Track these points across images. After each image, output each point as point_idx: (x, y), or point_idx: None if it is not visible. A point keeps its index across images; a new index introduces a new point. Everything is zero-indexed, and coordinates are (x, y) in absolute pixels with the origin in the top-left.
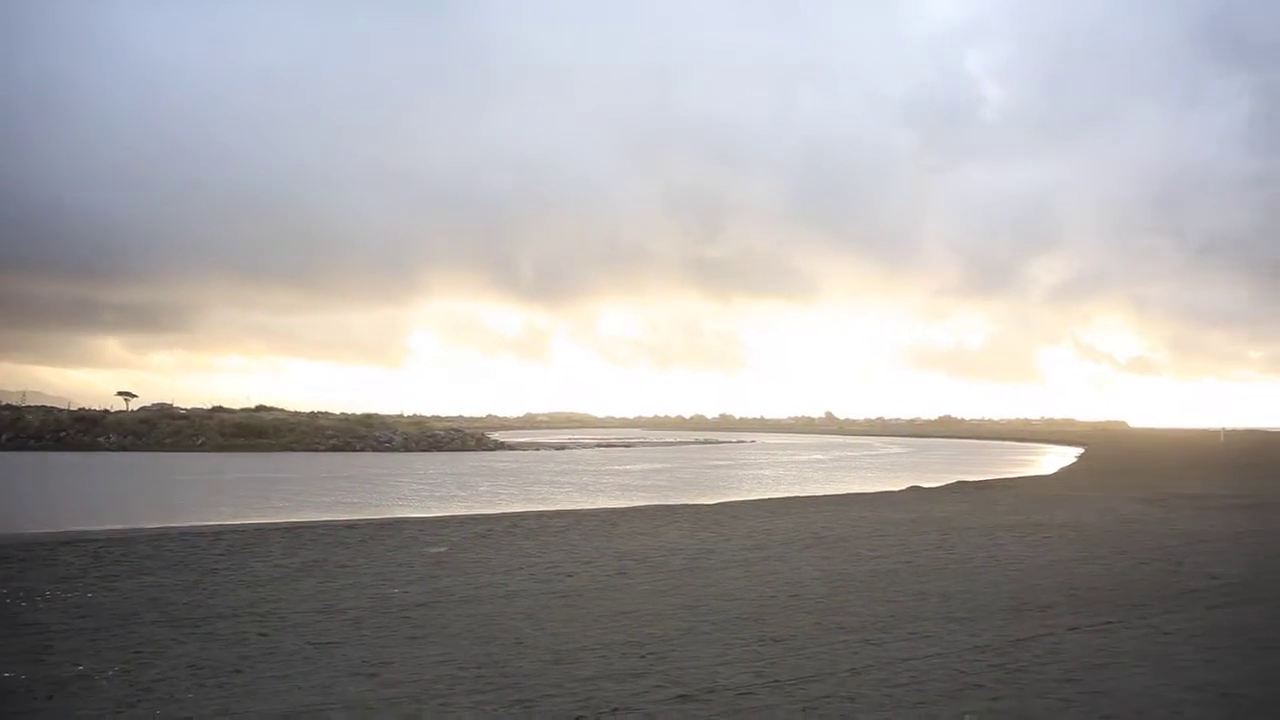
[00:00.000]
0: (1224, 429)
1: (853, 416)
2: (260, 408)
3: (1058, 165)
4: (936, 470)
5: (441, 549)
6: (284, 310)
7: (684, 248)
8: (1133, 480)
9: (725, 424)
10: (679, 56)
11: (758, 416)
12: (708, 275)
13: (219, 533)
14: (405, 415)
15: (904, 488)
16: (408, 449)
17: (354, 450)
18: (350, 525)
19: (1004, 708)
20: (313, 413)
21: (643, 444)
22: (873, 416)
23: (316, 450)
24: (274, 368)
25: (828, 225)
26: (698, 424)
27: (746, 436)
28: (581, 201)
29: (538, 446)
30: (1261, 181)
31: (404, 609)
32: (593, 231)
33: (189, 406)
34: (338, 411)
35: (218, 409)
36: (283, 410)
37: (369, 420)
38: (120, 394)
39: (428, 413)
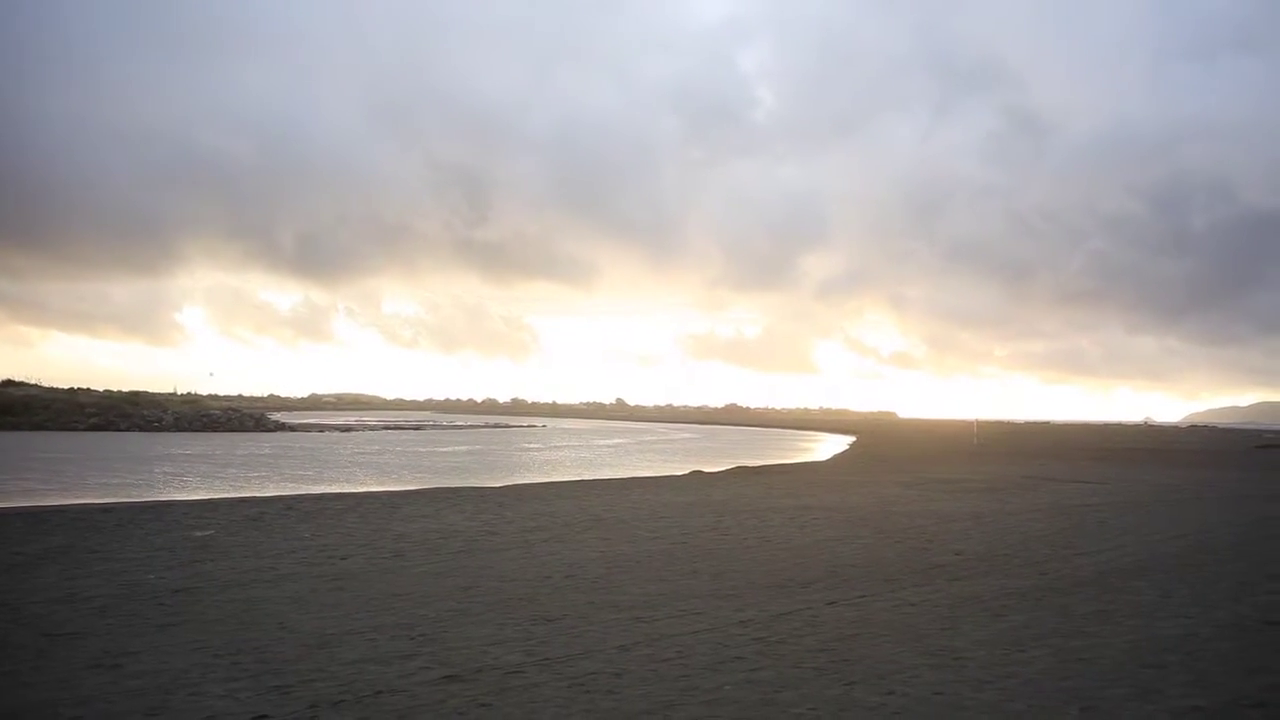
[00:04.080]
0: (976, 421)
1: (643, 403)
2: (9, 383)
3: (823, 167)
4: (719, 455)
5: (208, 533)
6: (23, 276)
7: (453, 228)
8: (896, 466)
9: (517, 408)
10: (429, 23)
11: (550, 401)
12: (482, 258)
13: None
14: (179, 394)
15: (686, 472)
16: (180, 429)
17: (118, 430)
18: (106, 509)
19: (762, 678)
20: (71, 389)
21: (432, 427)
22: (662, 403)
23: (75, 429)
24: (21, 339)
25: (595, 211)
26: (489, 408)
27: (538, 421)
28: (336, 173)
29: (322, 428)
30: (1000, 193)
31: (158, 595)
32: (352, 206)
33: None
34: (101, 388)
35: None
36: (36, 385)
37: (136, 398)
38: None
39: (204, 392)
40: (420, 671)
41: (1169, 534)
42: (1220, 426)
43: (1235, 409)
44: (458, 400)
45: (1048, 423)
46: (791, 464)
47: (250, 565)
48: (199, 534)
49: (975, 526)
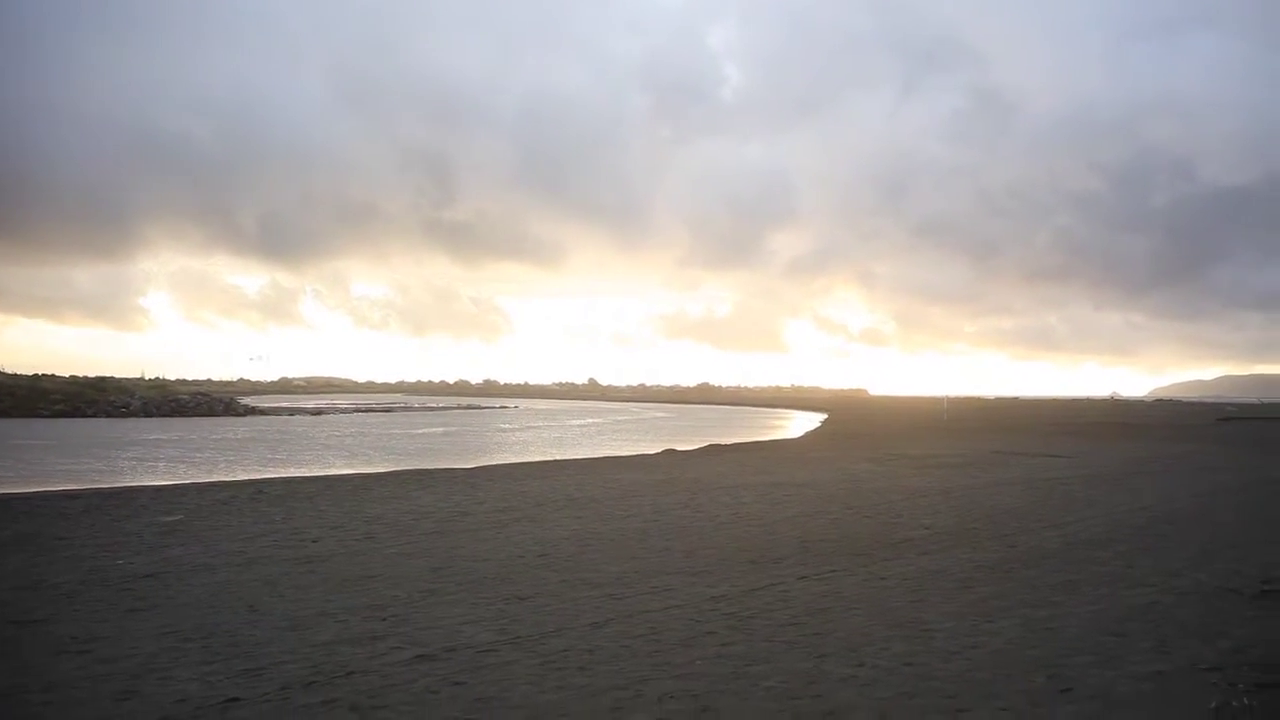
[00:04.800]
0: (947, 397)
1: (615, 383)
2: None
3: (790, 145)
4: (691, 434)
5: (176, 517)
6: None
7: (420, 209)
8: (866, 443)
9: (489, 390)
10: (393, 2)
11: (522, 382)
12: (451, 239)
13: None
14: (146, 379)
15: (659, 450)
16: (148, 414)
17: (85, 416)
18: (72, 495)
19: (734, 652)
20: (35, 375)
21: (404, 409)
22: (635, 383)
23: (39, 416)
24: None
25: (564, 191)
26: (461, 389)
27: (510, 402)
28: (300, 154)
29: (292, 412)
30: (966, 170)
31: (126, 580)
32: (318, 187)
33: None
34: (66, 374)
35: None
36: None
37: (102, 383)
38: None
39: (173, 376)
40: (392, 652)
41: (1134, 505)
42: (1185, 400)
43: (1200, 383)
44: (429, 382)
45: (1017, 398)
46: (763, 441)
47: (220, 549)
48: (167, 519)
49: (944, 501)
